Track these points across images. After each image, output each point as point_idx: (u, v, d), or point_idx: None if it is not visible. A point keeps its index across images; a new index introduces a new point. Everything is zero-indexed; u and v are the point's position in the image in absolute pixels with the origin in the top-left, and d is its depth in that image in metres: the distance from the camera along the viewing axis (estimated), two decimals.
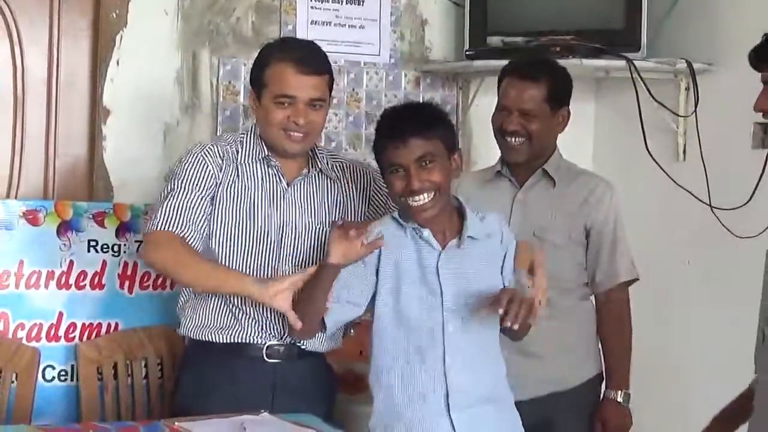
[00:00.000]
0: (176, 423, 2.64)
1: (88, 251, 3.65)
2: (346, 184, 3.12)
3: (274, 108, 2.97)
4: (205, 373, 3.04)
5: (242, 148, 3.04)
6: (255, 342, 3.00)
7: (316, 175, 3.08)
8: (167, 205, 2.95)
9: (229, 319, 3.00)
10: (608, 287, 3.24)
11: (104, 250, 3.68)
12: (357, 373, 3.52)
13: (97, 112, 3.93)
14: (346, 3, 4.27)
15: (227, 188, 2.99)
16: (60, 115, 3.94)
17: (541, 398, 3.11)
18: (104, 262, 3.67)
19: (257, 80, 3.02)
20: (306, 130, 2.96)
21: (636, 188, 4.08)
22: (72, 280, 3.62)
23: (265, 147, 3.03)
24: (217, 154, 3.00)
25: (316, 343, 3.02)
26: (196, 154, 3.01)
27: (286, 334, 2.97)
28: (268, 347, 3.00)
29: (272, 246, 3.00)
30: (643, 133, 4.00)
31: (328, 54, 4.09)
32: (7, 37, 3.86)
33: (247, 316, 2.98)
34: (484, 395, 2.83)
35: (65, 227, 3.63)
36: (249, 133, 3.09)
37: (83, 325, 3.63)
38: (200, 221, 2.96)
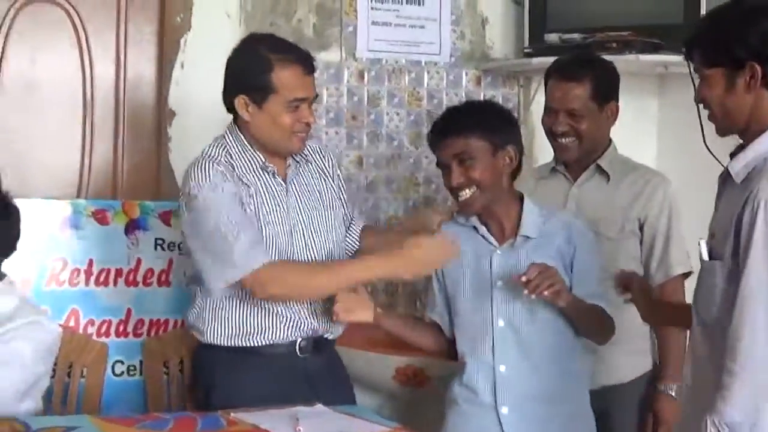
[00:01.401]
0: (233, 414, 2.67)
1: (155, 249, 3.72)
2: (321, 162, 3.13)
3: (284, 112, 2.90)
4: (242, 379, 3.00)
5: (234, 159, 2.96)
6: (287, 340, 3.00)
7: (297, 164, 3.07)
8: (237, 247, 2.83)
9: (261, 322, 2.98)
10: (662, 280, 3.23)
11: (170, 248, 3.73)
12: None
13: (162, 114, 4.01)
14: (407, 3, 4.30)
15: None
16: (127, 117, 4.03)
17: (596, 391, 3.10)
18: (170, 260, 3.73)
19: (259, 86, 2.90)
20: (310, 128, 2.99)
21: (701, 184, 4.06)
22: (139, 278, 3.70)
23: (259, 154, 2.97)
24: (226, 174, 2.91)
25: (335, 330, 3.09)
26: (215, 184, 2.88)
27: (319, 326, 3.01)
28: (300, 342, 3.00)
29: (286, 247, 2.97)
30: (701, 129, 3.97)
31: (389, 54, 4.16)
32: (76, 44, 3.96)
33: (278, 316, 2.97)
34: (537, 393, 2.87)
35: (133, 226, 3.70)
36: (231, 142, 2.99)
37: (150, 321, 3.70)
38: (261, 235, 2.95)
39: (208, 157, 2.94)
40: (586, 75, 3.20)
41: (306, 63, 2.94)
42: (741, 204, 2.27)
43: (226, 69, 3.03)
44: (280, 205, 2.99)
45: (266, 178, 2.99)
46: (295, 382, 2.97)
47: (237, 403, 2.83)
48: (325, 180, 3.13)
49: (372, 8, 4.25)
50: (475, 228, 2.92)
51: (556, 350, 2.88)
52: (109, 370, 3.60)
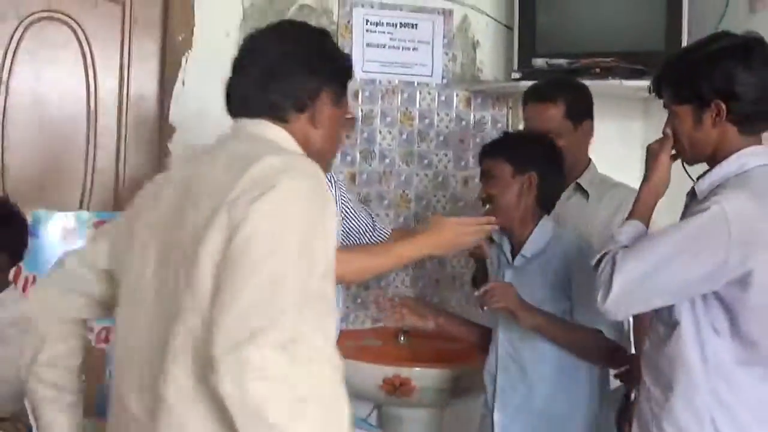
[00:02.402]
0: None
1: None
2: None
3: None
4: None
5: None
6: None
7: None
8: None
9: None
10: None
11: None
12: None
13: (163, 129, 4.09)
14: (401, 26, 4.40)
15: None
16: (129, 132, 4.11)
17: None
18: None
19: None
20: None
21: (682, 201, 4.17)
22: None
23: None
24: None
25: None
26: None
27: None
28: None
29: None
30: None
31: (383, 75, 4.24)
32: (81, 59, 4.04)
33: None
34: (531, 408, 3.01)
35: None
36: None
37: None
38: None
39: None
40: (559, 96, 3.34)
41: None
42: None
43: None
44: None
45: None
46: None
47: None
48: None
49: (367, 30, 4.35)
50: (500, 243, 3.12)
51: (555, 371, 3.00)
52: (106, 376, 3.66)
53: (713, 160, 2.52)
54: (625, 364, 3.08)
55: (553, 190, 3.11)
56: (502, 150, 3.08)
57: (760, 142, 2.54)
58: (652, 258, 2.36)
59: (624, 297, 2.37)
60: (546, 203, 3.10)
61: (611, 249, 2.44)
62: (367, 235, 3.39)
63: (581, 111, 3.38)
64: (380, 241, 3.40)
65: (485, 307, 2.96)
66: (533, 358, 3.02)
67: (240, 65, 2.29)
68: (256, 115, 2.19)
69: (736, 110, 2.45)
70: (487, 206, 3.05)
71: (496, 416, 3.06)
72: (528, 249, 3.05)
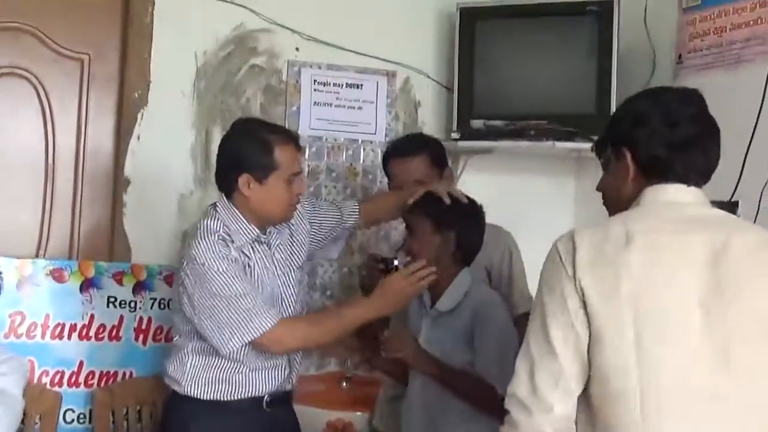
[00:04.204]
0: None
1: (108, 306, 3.92)
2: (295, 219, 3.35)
3: (286, 187, 3.13)
4: (213, 430, 3.17)
5: (232, 232, 3.13)
6: (256, 395, 3.20)
7: (275, 228, 3.29)
8: (254, 311, 3.03)
9: (236, 379, 3.17)
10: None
11: (122, 305, 3.94)
12: None
13: (119, 182, 4.16)
14: (347, 86, 4.54)
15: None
16: (85, 183, 4.19)
17: None
18: (122, 317, 3.93)
19: (261, 164, 3.09)
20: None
21: None
22: (92, 333, 3.89)
23: (252, 226, 3.16)
24: (228, 245, 3.09)
25: (295, 380, 3.33)
26: (222, 254, 3.06)
27: (284, 382, 3.25)
28: (267, 397, 3.22)
29: (273, 306, 3.17)
30: None
31: (329, 132, 4.40)
32: (40, 113, 4.13)
33: (253, 373, 3.18)
34: None
35: (87, 284, 3.90)
36: (225, 216, 3.15)
37: (101, 373, 3.88)
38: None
39: (209, 230, 3.10)
40: (423, 147, 3.57)
41: (297, 142, 3.22)
42: None
43: (225, 150, 3.22)
44: (269, 267, 3.22)
45: (259, 248, 3.20)
46: None
47: None
48: (295, 233, 3.35)
49: (315, 90, 4.47)
50: (421, 295, 3.22)
51: (465, 417, 3.06)
52: (60, 418, 3.77)
53: None
54: None
55: (473, 246, 3.22)
56: (423, 207, 3.20)
57: None
58: None
59: None
60: (466, 258, 3.22)
61: None
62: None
63: (441, 160, 3.60)
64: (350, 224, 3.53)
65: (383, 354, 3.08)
66: (444, 405, 3.09)
67: None
68: None
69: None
70: (407, 259, 3.14)
71: None
72: (443, 303, 3.16)
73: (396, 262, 3.13)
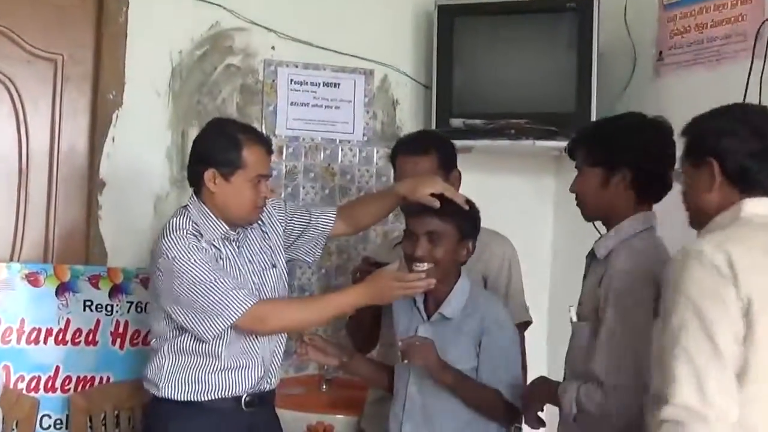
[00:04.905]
0: None
1: (84, 310, 3.88)
2: (266, 219, 3.33)
3: (251, 187, 3.12)
4: (191, 430, 3.16)
5: (201, 227, 3.13)
6: (234, 395, 3.18)
7: (243, 229, 3.26)
8: (227, 293, 3.02)
9: (213, 379, 3.15)
10: None
11: (98, 309, 3.91)
12: None
13: (93, 184, 4.13)
14: (323, 86, 4.52)
15: None
16: (60, 186, 4.15)
17: None
18: (98, 321, 3.90)
19: (228, 161, 3.10)
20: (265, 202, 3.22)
21: None
22: (68, 337, 3.85)
23: (222, 223, 3.16)
24: (197, 240, 3.09)
25: (275, 381, 3.31)
26: (190, 248, 3.06)
27: (261, 382, 3.22)
28: (246, 397, 3.20)
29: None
30: None
31: (306, 132, 4.38)
32: (13, 114, 4.09)
33: (229, 373, 3.16)
34: None
35: (63, 288, 3.87)
36: (195, 212, 3.15)
37: (78, 378, 3.85)
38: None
39: (177, 227, 3.11)
40: (432, 148, 3.47)
41: (268, 144, 3.20)
42: (601, 275, 2.71)
43: (195, 146, 3.23)
44: (241, 264, 3.20)
45: (226, 245, 3.18)
46: None
47: None
48: (269, 234, 3.32)
49: (291, 90, 4.45)
50: (414, 299, 3.16)
51: (462, 423, 3.05)
52: (37, 424, 3.75)
53: (608, 220, 2.84)
54: (516, 421, 3.18)
55: (474, 252, 3.17)
56: (450, 212, 3.08)
57: (650, 209, 2.84)
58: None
59: None
60: (464, 264, 3.18)
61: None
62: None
63: (450, 161, 3.52)
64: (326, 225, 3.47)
65: (404, 361, 3.01)
66: (443, 410, 3.07)
67: None
68: None
69: (640, 178, 2.76)
70: (423, 266, 3.03)
71: None
72: (447, 309, 3.09)
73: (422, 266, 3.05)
